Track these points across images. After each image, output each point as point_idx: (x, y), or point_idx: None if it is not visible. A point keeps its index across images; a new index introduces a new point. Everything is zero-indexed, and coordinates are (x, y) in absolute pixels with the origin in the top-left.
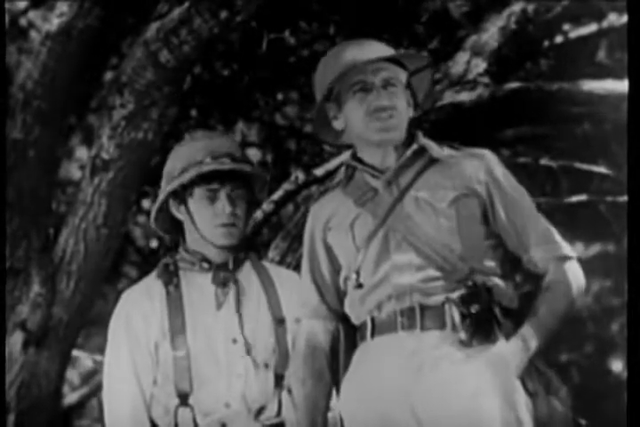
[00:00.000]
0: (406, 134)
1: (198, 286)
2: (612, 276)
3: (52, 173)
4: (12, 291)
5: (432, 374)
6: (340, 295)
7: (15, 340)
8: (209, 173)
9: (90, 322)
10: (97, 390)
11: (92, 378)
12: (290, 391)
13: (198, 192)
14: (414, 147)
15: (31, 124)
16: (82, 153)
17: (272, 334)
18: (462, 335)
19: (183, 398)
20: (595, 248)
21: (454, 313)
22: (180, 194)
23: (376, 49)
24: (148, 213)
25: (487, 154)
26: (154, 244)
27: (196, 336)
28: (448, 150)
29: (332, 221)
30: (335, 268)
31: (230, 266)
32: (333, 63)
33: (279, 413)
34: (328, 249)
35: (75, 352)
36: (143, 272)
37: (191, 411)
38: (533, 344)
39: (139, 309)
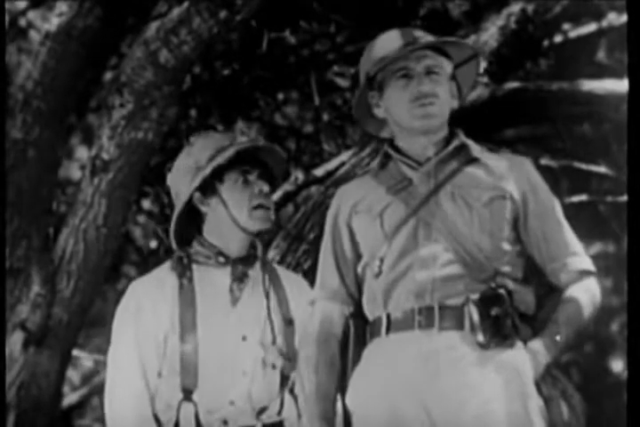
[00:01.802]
0: (447, 130)
1: (212, 281)
2: (611, 275)
3: (52, 173)
4: (12, 291)
5: (448, 376)
6: (359, 281)
7: (15, 340)
8: (237, 156)
9: (90, 322)
10: (97, 390)
11: (93, 378)
12: (292, 391)
13: (230, 176)
14: (456, 143)
15: (31, 124)
16: (82, 153)
17: (281, 335)
18: (480, 337)
19: (187, 394)
20: (595, 248)
21: (473, 314)
22: (207, 184)
23: (421, 37)
24: (148, 213)
25: (526, 161)
26: (153, 244)
27: (206, 331)
28: (486, 151)
29: (360, 205)
30: (357, 253)
31: (246, 261)
32: (377, 49)
33: (280, 412)
34: (351, 233)
35: (75, 352)
36: (143, 272)
37: (194, 407)
38: (551, 352)
39: (150, 299)
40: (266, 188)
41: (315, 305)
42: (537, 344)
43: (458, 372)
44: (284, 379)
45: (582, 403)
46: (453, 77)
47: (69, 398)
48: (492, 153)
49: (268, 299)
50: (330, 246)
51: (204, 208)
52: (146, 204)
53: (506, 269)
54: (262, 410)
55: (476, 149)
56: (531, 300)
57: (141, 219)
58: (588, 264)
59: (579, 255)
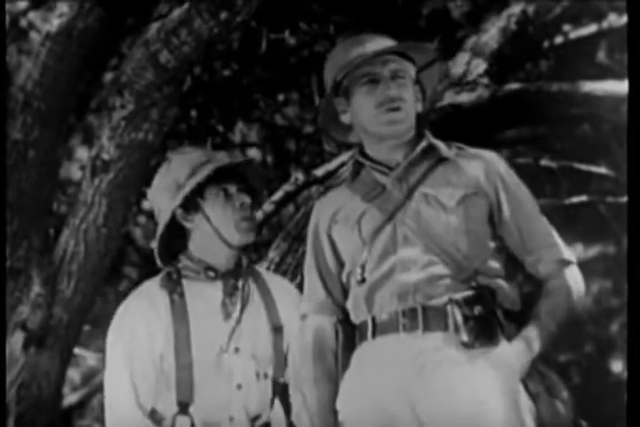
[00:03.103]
0: (415, 132)
1: (203, 296)
2: (611, 276)
3: (52, 174)
4: (13, 291)
5: (435, 376)
6: (345, 290)
7: (16, 340)
8: (217, 171)
9: (92, 322)
10: (98, 389)
11: (94, 378)
12: (276, 395)
13: (212, 192)
14: (423, 144)
15: (31, 125)
16: (82, 154)
17: (270, 343)
18: (464, 337)
19: (183, 407)
20: (594, 249)
21: (457, 315)
22: (189, 201)
23: (383, 42)
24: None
25: (495, 156)
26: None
27: (199, 346)
28: (455, 150)
29: (338, 215)
30: (339, 262)
31: (235, 273)
32: (341, 56)
33: (269, 417)
34: (332, 243)
35: (78, 351)
36: (143, 273)
37: (190, 419)
38: (536, 347)
39: (143, 320)
40: (247, 200)
41: (306, 320)
42: (528, 333)
43: (444, 372)
44: (276, 386)
45: (570, 398)
46: (418, 81)
47: (70, 398)
48: (461, 151)
49: (243, 309)
50: (313, 259)
51: (187, 224)
52: (146, 204)
53: (486, 266)
54: (256, 418)
55: (444, 148)
56: (515, 296)
57: (142, 219)
58: (566, 254)
59: (556, 246)
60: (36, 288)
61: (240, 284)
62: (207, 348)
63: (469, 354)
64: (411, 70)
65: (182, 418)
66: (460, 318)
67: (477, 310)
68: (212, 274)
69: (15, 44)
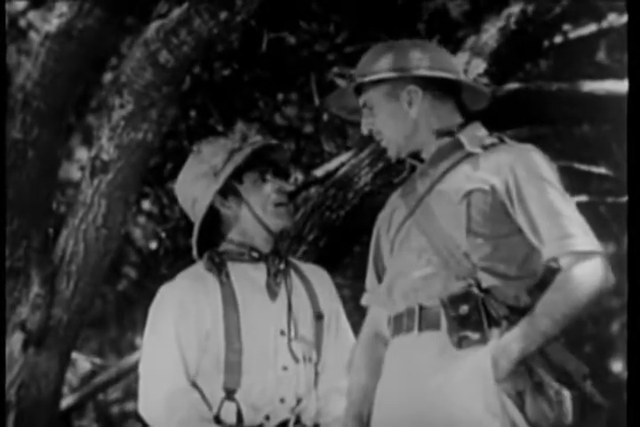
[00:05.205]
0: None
1: (248, 277)
2: None
3: (51, 174)
4: (12, 291)
5: (426, 378)
6: None
7: (15, 340)
8: (252, 156)
9: (88, 324)
10: (95, 391)
11: (91, 380)
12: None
13: (249, 177)
14: (446, 140)
15: (31, 125)
16: (82, 154)
17: (312, 329)
18: (451, 337)
19: (230, 393)
20: None
21: (443, 314)
22: (227, 186)
23: (370, 65)
24: (147, 214)
25: (522, 148)
26: (153, 245)
27: (248, 329)
28: (487, 144)
29: (382, 211)
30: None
31: (277, 255)
32: (361, 63)
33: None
34: (377, 237)
35: (73, 355)
36: (143, 273)
37: (237, 404)
38: (518, 347)
39: (192, 296)
40: (283, 184)
41: (368, 310)
42: (514, 332)
43: (434, 373)
44: (316, 373)
45: (563, 393)
46: (393, 95)
47: (67, 400)
48: (496, 144)
49: (290, 294)
50: (370, 251)
51: (225, 211)
52: (145, 205)
53: (485, 264)
54: (299, 401)
55: (470, 143)
56: (517, 292)
57: (141, 220)
58: (584, 245)
59: (572, 237)
60: (36, 288)
61: (282, 266)
62: (255, 329)
63: (459, 354)
64: (379, 91)
65: (229, 404)
66: (446, 318)
67: (463, 309)
68: (255, 255)
69: (15, 44)
